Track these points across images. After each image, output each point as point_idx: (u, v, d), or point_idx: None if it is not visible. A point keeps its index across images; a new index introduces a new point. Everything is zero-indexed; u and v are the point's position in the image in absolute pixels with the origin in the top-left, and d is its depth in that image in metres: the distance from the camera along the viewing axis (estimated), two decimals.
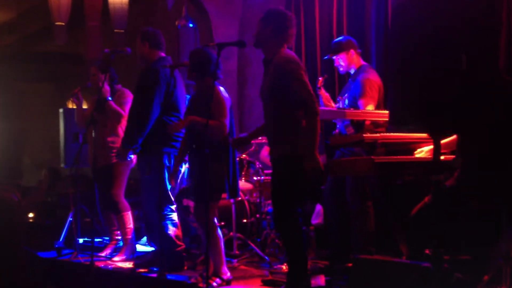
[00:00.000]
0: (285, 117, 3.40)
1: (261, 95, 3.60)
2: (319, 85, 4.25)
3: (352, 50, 4.34)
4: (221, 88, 3.95)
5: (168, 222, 4.29)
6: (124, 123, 4.87)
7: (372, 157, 3.26)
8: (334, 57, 4.39)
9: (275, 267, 4.43)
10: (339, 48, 4.34)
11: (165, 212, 4.28)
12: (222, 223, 4.90)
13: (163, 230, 4.22)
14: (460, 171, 2.99)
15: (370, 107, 4.09)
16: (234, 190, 3.96)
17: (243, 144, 3.63)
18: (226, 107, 3.89)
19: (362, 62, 4.42)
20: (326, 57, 4.53)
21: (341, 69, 4.43)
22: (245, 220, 5.08)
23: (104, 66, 4.77)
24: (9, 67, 9.70)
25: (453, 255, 3.18)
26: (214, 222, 3.90)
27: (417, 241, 3.57)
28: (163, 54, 4.43)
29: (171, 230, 4.29)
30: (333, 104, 4.23)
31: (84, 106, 5.26)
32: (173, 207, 4.37)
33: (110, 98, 4.79)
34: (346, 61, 4.35)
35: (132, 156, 4.66)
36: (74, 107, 5.24)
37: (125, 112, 4.85)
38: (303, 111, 3.33)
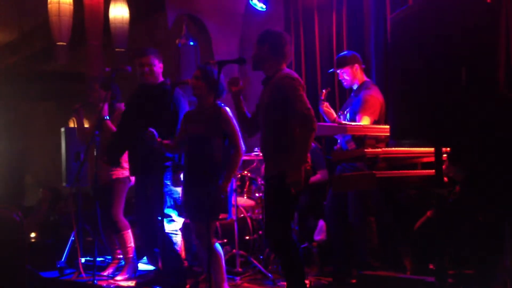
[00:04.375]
0: (284, 133, 3.38)
1: (257, 115, 3.58)
2: (322, 97, 4.25)
3: (356, 65, 4.36)
4: (227, 109, 3.94)
5: (179, 238, 4.23)
6: None
7: (374, 172, 3.26)
8: (338, 71, 4.40)
9: (278, 284, 4.40)
10: (344, 62, 4.36)
11: (176, 228, 4.23)
12: (225, 240, 4.88)
13: (174, 248, 4.17)
14: (462, 185, 2.98)
15: (367, 121, 4.08)
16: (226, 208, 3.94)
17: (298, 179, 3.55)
18: (238, 130, 3.87)
19: (365, 78, 4.43)
20: (330, 70, 4.54)
21: (345, 83, 4.44)
22: (247, 237, 5.06)
23: (106, 83, 4.80)
24: (12, 87, 9.75)
25: (458, 270, 3.16)
26: (212, 240, 3.88)
27: (421, 255, 3.55)
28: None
29: (180, 247, 4.24)
30: (334, 115, 4.23)
31: (86, 125, 5.27)
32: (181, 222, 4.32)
33: (107, 117, 4.80)
34: (350, 76, 4.36)
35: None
36: (75, 125, 5.25)
37: None
38: (301, 126, 3.31)
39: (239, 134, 3.87)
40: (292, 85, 3.36)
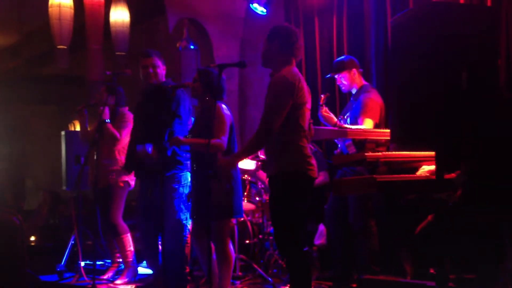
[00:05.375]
0: (278, 134, 3.36)
1: None
2: (321, 102, 4.25)
3: (354, 70, 4.36)
4: (223, 106, 3.95)
5: (185, 243, 4.22)
6: (119, 146, 4.88)
7: (374, 176, 3.25)
8: (336, 76, 4.41)
9: None
10: (341, 67, 4.36)
11: (185, 233, 4.22)
12: None
13: (180, 252, 4.15)
14: (463, 189, 2.97)
15: (369, 124, 4.08)
16: (239, 211, 3.94)
17: (228, 167, 3.63)
18: (226, 124, 3.90)
19: (364, 82, 4.43)
20: (328, 76, 4.54)
21: (343, 88, 4.44)
22: (247, 241, 5.05)
23: (111, 87, 4.80)
24: (12, 90, 9.76)
25: (458, 274, 3.15)
26: (228, 242, 3.88)
27: (421, 260, 3.54)
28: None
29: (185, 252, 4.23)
30: (335, 120, 4.23)
31: (88, 128, 5.27)
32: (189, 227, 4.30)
33: (108, 120, 4.79)
34: (348, 80, 4.37)
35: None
36: (77, 129, 5.26)
37: (121, 135, 4.85)
38: (258, 130, 3.32)
39: (226, 129, 3.88)
40: (274, 91, 3.32)
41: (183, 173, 4.17)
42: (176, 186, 4.17)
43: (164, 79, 4.38)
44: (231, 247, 3.93)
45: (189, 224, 4.16)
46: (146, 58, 4.31)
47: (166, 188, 4.10)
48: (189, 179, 4.17)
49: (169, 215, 4.10)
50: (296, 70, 3.45)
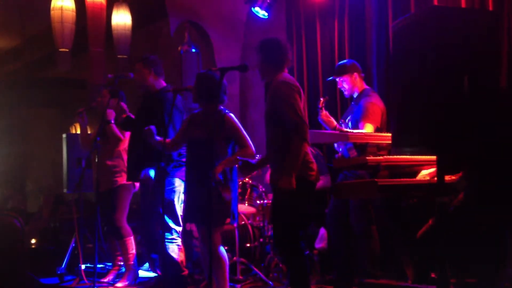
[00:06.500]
0: (282, 142, 3.37)
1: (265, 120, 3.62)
2: (320, 105, 4.25)
3: (356, 74, 4.36)
4: (232, 115, 3.95)
5: (175, 246, 4.22)
6: (122, 147, 4.89)
7: (375, 179, 3.25)
8: (337, 79, 4.41)
9: None
10: (343, 71, 4.37)
11: (172, 236, 4.22)
12: (226, 248, 4.86)
13: (170, 255, 4.15)
14: (465, 193, 2.97)
15: (370, 128, 4.08)
16: (234, 214, 3.94)
17: (250, 170, 3.63)
18: (243, 131, 3.91)
19: (365, 86, 4.43)
20: (329, 78, 4.55)
21: (346, 92, 4.44)
22: (248, 245, 5.04)
23: (114, 90, 4.81)
24: (14, 93, 9.78)
25: (460, 278, 3.14)
26: (217, 245, 3.87)
27: (422, 264, 3.54)
28: (164, 83, 4.47)
29: (177, 254, 4.22)
30: (335, 123, 4.22)
31: (89, 131, 5.27)
32: (179, 229, 4.30)
33: (112, 121, 4.80)
34: (350, 84, 4.37)
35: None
36: (78, 131, 5.26)
37: (125, 136, 4.86)
38: (293, 134, 3.33)
39: (247, 137, 3.90)
40: (285, 93, 3.37)
41: (175, 178, 4.18)
42: (170, 189, 4.18)
43: (152, 83, 4.38)
44: (222, 248, 3.91)
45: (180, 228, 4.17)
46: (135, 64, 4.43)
47: (165, 190, 4.12)
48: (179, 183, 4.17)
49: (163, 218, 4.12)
50: (289, 75, 3.54)
